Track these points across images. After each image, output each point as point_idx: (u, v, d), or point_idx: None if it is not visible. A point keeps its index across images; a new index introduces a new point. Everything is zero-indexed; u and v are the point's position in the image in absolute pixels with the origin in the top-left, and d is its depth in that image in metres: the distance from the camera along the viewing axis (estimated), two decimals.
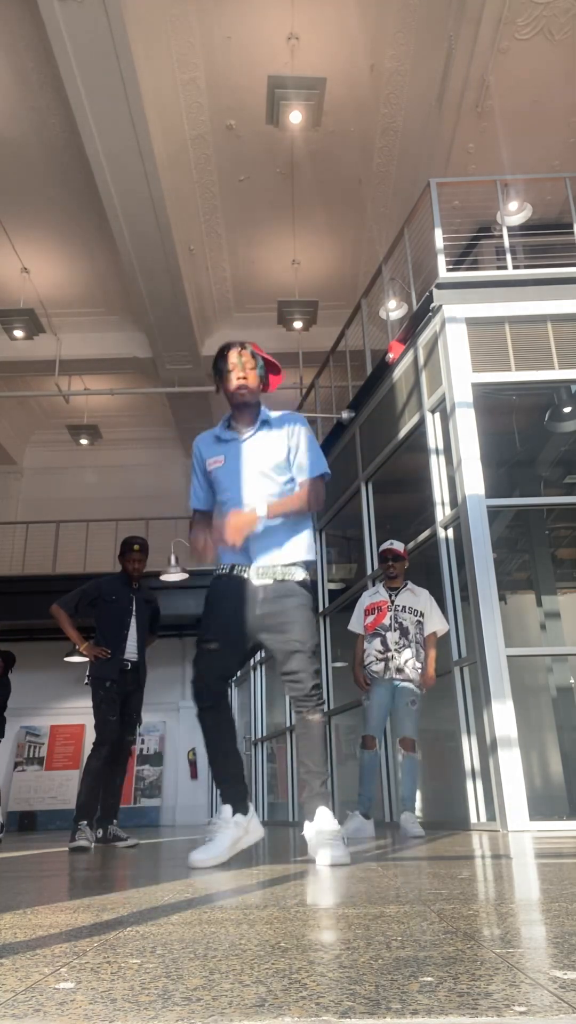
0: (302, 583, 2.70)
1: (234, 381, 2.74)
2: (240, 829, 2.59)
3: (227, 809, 2.61)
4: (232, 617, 2.67)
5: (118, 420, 14.96)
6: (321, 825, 2.50)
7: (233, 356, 2.76)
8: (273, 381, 2.88)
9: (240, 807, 2.63)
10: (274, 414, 2.85)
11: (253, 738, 10.67)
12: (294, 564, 2.71)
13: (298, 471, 2.77)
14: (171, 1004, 0.74)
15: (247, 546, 2.69)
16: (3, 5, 7.48)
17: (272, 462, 2.74)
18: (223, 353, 2.79)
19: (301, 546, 2.75)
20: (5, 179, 9.53)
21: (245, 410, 2.80)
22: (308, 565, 2.76)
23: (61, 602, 4.84)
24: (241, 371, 2.74)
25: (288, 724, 9.05)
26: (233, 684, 12.08)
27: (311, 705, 2.60)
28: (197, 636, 2.75)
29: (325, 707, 2.76)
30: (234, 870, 2.38)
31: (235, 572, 2.71)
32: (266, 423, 2.81)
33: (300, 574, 2.70)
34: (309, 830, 2.54)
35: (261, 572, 2.68)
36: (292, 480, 2.77)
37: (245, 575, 2.70)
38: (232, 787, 2.64)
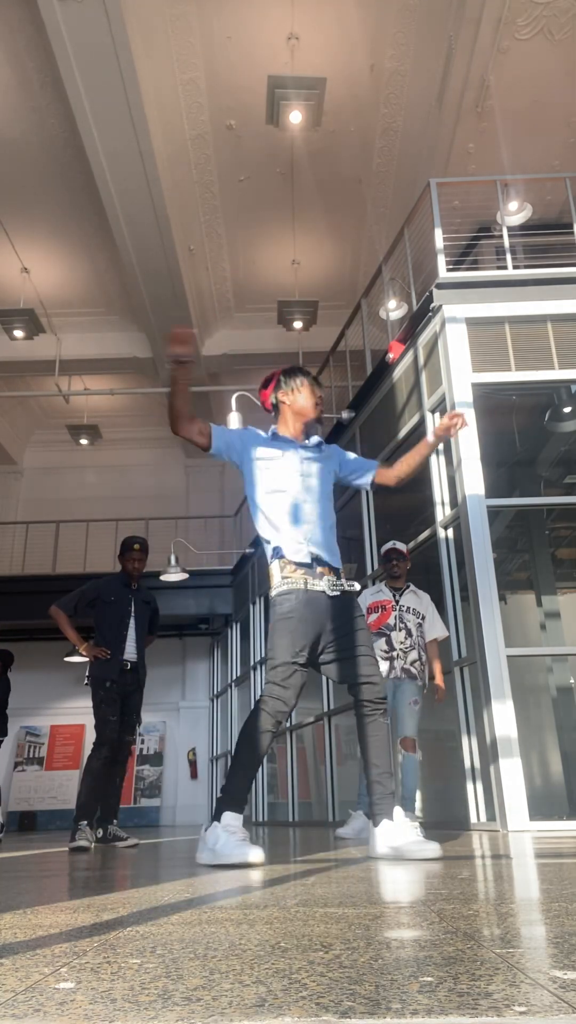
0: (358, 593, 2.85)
1: (318, 399, 2.98)
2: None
3: (240, 817, 2.60)
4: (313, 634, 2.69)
5: (118, 420, 14.96)
6: (402, 824, 2.58)
7: (310, 378, 3.00)
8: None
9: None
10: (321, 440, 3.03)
11: None
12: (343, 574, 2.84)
13: (364, 464, 3.06)
14: (171, 1004, 0.74)
15: (316, 550, 2.77)
16: (3, 5, 7.48)
17: (326, 477, 2.94)
18: (297, 372, 3.01)
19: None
20: (5, 179, 9.53)
21: (310, 427, 3.01)
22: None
23: (60, 603, 4.85)
24: (320, 392, 3.01)
25: (288, 724, 9.05)
26: (233, 684, 12.09)
27: (384, 708, 2.71)
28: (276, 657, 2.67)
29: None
30: (235, 870, 2.38)
31: (308, 586, 2.71)
32: (319, 446, 2.98)
33: (357, 584, 2.82)
34: (387, 830, 2.57)
35: (333, 584, 2.74)
36: (331, 498, 2.96)
37: (318, 587, 2.71)
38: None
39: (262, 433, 2.99)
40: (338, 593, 2.72)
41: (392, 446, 6.69)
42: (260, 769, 2.83)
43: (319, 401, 2.98)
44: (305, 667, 2.68)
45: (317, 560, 2.75)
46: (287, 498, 2.80)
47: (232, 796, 2.58)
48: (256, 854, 2.42)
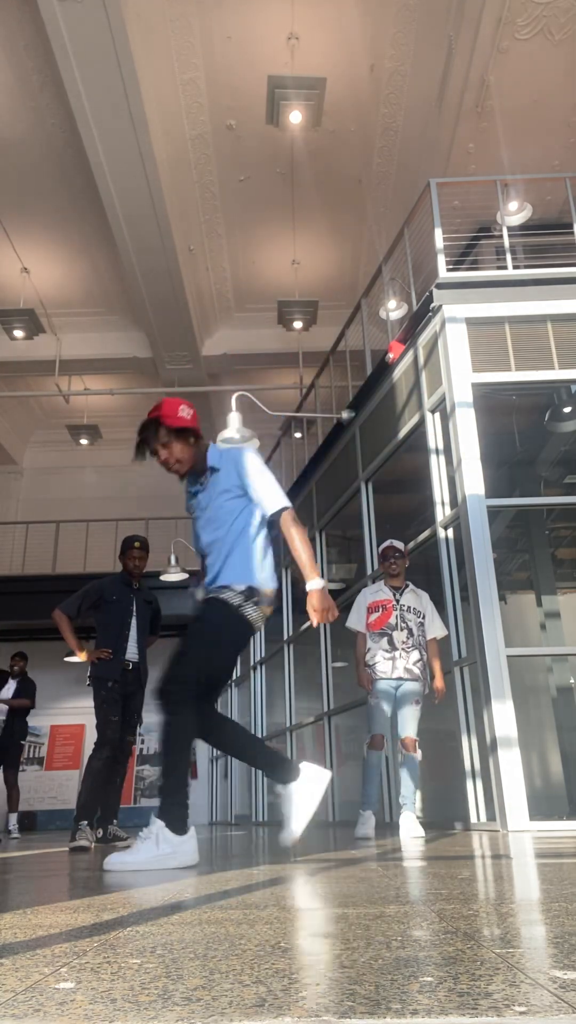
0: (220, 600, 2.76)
1: (163, 466, 2.86)
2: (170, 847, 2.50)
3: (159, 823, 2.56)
4: None
5: (118, 420, 14.95)
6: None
7: (150, 440, 2.82)
8: (183, 434, 2.87)
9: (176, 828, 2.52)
10: (221, 455, 2.91)
11: None
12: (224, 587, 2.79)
13: (262, 508, 2.87)
14: (171, 1004, 0.74)
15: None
16: (3, 5, 7.48)
17: (222, 503, 2.85)
18: (139, 441, 2.86)
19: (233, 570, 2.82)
20: (5, 179, 9.53)
21: (192, 474, 2.93)
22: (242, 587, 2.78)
23: (63, 606, 4.83)
24: (162, 455, 2.82)
25: (288, 724, 9.05)
26: (233, 684, 12.09)
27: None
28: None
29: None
30: (235, 870, 2.38)
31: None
32: (214, 470, 2.90)
33: (224, 593, 2.75)
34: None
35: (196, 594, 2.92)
36: (242, 514, 2.84)
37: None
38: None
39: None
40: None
41: (392, 446, 6.69)
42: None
43: (162, 460, 2.84)
44: None
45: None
46: (202, 549, 2.96)
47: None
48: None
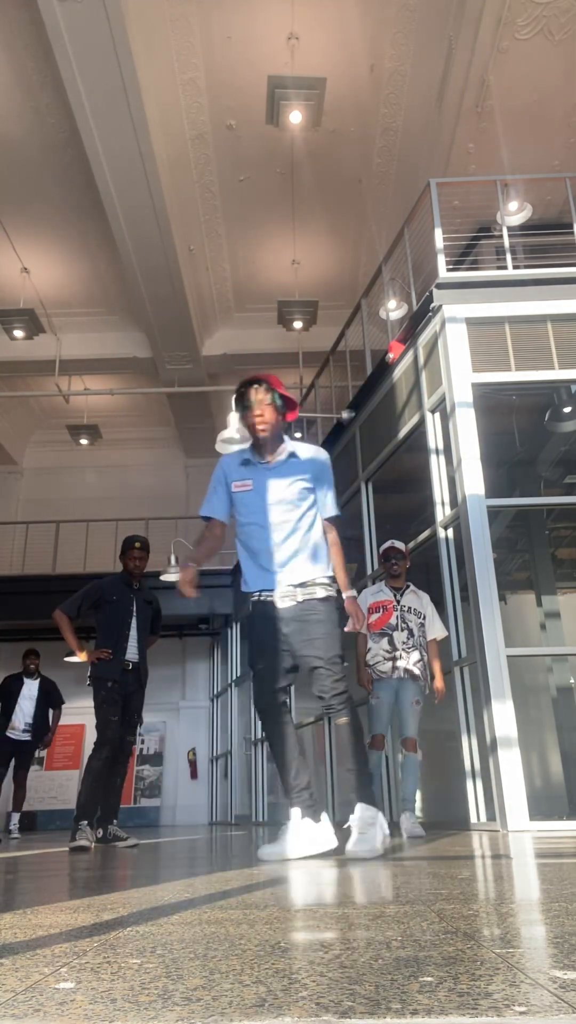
0: (324, 599, 2.93)
1: (251, 418, 2.95)
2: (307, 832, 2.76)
3: (296, 812, 2.81)
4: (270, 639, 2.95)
5: (118, 420, 14.96)
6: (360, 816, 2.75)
7: (251, 394, 2.95)
8: (290, 415, 3.06)
9: (310, 814, 2.80)
10: (301, 446, 3.06)
11: (253, 738, 10.67)
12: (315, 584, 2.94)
13: (322, 508, 3.04)
14: (171, 1004, 0.74)
15: (270, 570, 2.95)
16: (3, 5, 7.48)
17: (295, 492, 2.97)
18: (243, 390, 2.98)
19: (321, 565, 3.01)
20: (5, 179, 9.53)
21: (267, 442, 3.01)
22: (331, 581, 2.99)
23: (64, 606, 4.83)
24: (259, 408, 2.94)
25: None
26: (233, 684, 12.09)
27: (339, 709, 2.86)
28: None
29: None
30: (235, 870, 2.38)
31: (262, 597, 2.97)
32: (293, 454, 3.01)
33: (321, 592, 2.93)
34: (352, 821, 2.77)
35: (283, 595, 2.92)
36: (312, 507, 3.00)
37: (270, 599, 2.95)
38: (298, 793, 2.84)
39: (240, 455, 3.08)
40: (291, 603, 2.91)
41: (392, 446, 6.69)
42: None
43: (257, 415, 2.94)
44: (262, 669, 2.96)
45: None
46: (254, 529, 2.97)
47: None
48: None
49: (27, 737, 7.98)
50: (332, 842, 2.75)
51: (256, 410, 2.93)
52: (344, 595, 3.04)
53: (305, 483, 2.98)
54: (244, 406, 2.97)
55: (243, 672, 11.45)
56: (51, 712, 8.24)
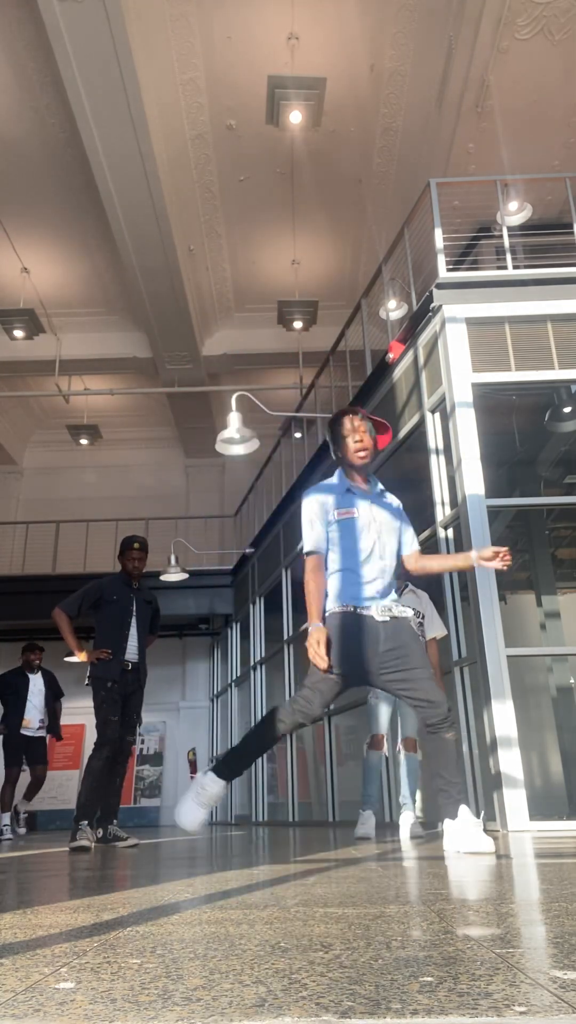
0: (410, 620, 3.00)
1: (353, 446, 3.01)
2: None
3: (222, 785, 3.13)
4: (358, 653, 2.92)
5: (118, 420, 14.96)
6: (465, 821, 2.77)
7: (348, 422, 3.03)
8: (381, 440, 3.12)
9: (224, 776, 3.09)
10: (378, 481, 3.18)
11: None
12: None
13: (411, 539, 3.15)
14: (171, 1004, 0.74)
15: (366, 591, 2.96)
16: (3, 5, 7.48)
17: (394, 522, 3.09)
18: (339, 419, 3.05)
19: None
20: (5, 179, 9.53)
21: (363, 471, 3.09)
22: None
23: (63, 605, 4.82)
24: (358, 435, 3.01)
25: None
26: (233, 684, 12.09)
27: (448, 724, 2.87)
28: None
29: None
30: (235, 870, 2.38)
31: (358, 611, 2.94)
32: (383, 490, 3.13)
33: (410, 612, 3.02)
34: (449, 828, 2.80)
35: (382, 610, 2.91)
36: (398, 539, 3.11)
37: (367, 612, 2.92)
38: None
39: (335, 485, 3.11)
40: (387, 619, 2.89)
41: (392, 446, 6.68)
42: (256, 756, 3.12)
43: (357, 441, 3.00)
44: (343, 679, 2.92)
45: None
46: (364, 554, 2.98)
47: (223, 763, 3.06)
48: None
49: (41, 733, 7.83)
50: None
51: (357, 437, 3.00)
52: (473, 554, 3.11)
53: (397, 514, 3.11)
54: (341, 435, 3.03)
55: (243, 672, 11.45)
56: (58, 704, 8.12)
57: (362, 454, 2.99)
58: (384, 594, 2.92)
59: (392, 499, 3.14)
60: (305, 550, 3.01)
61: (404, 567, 3.11)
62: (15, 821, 7.86)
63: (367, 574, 2.91)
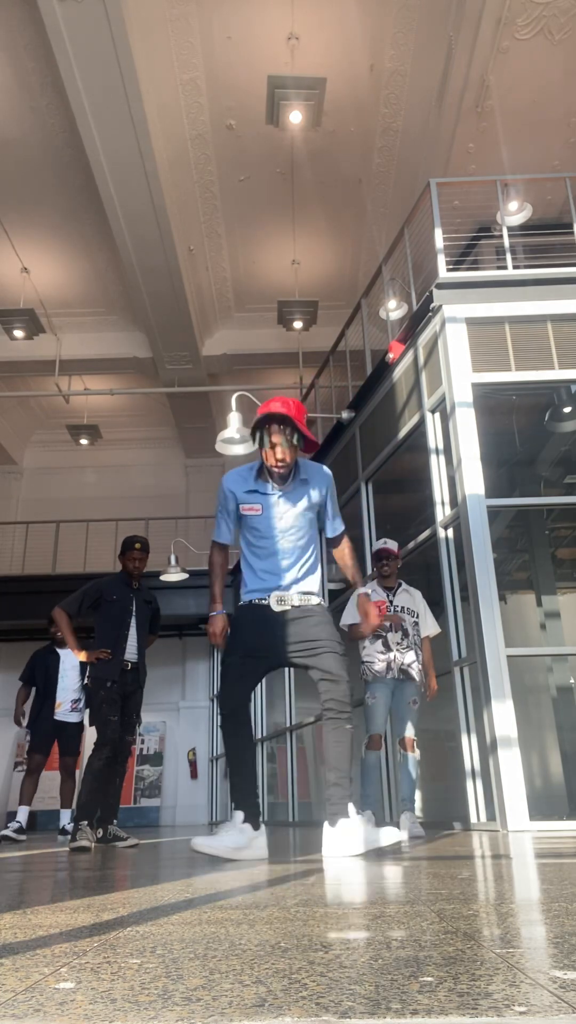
0: (318, 605, 3.07)
1: (272, 460, 2.99)
2: (245, 839, 2.79)
3: (239, 815, 2.84)
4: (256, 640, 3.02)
5: (118, 420, 14.96)
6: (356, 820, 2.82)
7: (272, 434, 2.97)
8: (308, 449, 3.12)
9: (252, 820, 2.85)
10: (308, 466, 3.15)
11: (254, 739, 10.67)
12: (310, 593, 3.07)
13: (331, 525, 3.21)
14: (171, 1004, 0.74)
15: (273, 585, 3.05)
16: (3, 5, 7.48)
17: (305, 514, 3.09)
18: (263, 428, 2.99)
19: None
20: (5, 179, 9.53)
21: (280, 478, 3.09)
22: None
23: (64, 604, 4.82)
24: (279, 452, 2.97)
25: (288, 724, 9.05)
26: None
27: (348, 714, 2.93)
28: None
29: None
30: (234, 870, 2.38)
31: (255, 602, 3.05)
32: (302, 482, 3.10)
33: (316, 600, 3.07)
34: (345, 828, 2.82)
35: (280, 600, 3.01)
36: (313, 529, 3.14)
37: (265, 602, 3.02)
38: (245, 799, 2.90)
39: (245, 477, 3.15)
40: (286, 608, 2.99)
41: (392, 446, 6.69)
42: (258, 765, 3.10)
43: (279, 458, 2.97)
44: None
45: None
46: (266, 552, 3.07)
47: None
48: (211, 845, 2.79)
49: (76, 718, 6.86)
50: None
51: (277, 453, 2.96)
52: (358, 591, 3.23)
53: (312, 506, 3.10)
54: (265, 442, 3.00)
55: None
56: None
57: (280, 469, 3.00)
58: (290, 585, 3.02)
59: (313, 483, 3.10)
60: (212, 537, 3.23)
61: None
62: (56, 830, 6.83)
63: (269, 567, 3.04)
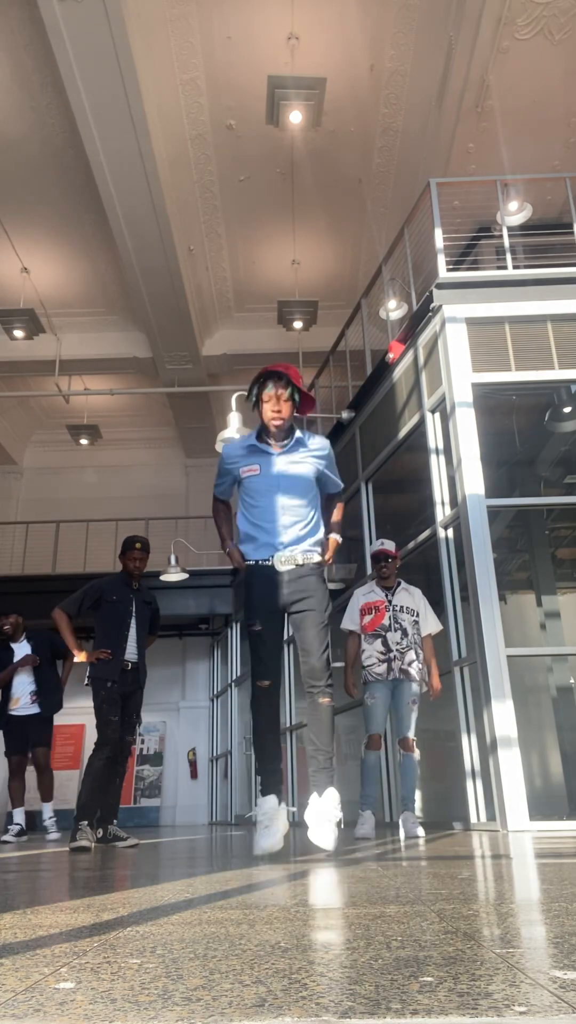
0: (318, 565, 3.16)
1: (269, 413, 3.08)
2: (282, 822, 2.96)
3: (272, 799, 2.96)
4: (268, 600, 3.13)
5: (118, 420, 14.96)
6: (323, 805, 2.91)
7: (270, 388, 3.07)
8: (305, 410, 3.21)
9: (279, 796, 3.01)
10: (308, 435, 3.25)
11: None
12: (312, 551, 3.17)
13: (332, 486, 3.32)
14: (171, 1004, 0.74)
15: (274, 546, 3.14)
16: (3, 5, 7.48)
17: (303, 477, 3.16)
18: (261, 381, 3.10)
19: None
20: (5, 179, 9.53)
21: (277, 434, 3.18)
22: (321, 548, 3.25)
23: (64, 605, 4.82)
24: (276, 404, 3.08)
25: (289, 724, 9.05)
26: (233, 684, 12.08)
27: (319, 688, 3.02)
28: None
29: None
30: (235, 870, 2.38)
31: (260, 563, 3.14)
32: (300, 442, 3.19)
33: (316, 557, 3.15)
34: (314, 803, 2.93)
35: (284, 560, 3.09)
36: (313, 490, 3.21)
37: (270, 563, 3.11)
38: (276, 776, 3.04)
39: (246, 442, 3.27)
40: (290, 567, 3.09)
41: (392, 446, 6.69)
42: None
43: (275, 411, 3.09)
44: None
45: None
46: (262, 511, 3.16)
47: (260, 775, 3.04)
48: (268, 844, 2.85)
49: (35, 709, 6.80)
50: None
51: (274, 405, 3.06)
52: (331, 536, 3.30)
53: (310, 466, 3.16)
54: (260, 398, 3.10)
55: (243, 672, 11.45)
56: (61, 664, 6.95)
57: (277, 422, 3.09)
58: (291, 544, 3.10)
59: (313, 448, 3.21)
60: (214, 492, 3.41)
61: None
62: (25, 826, 6.78)
63: (269, 528, 3.12)
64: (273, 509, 3.11)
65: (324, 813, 2.87)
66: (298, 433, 3.19)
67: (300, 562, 3.08)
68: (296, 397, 3.11)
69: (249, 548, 3.16)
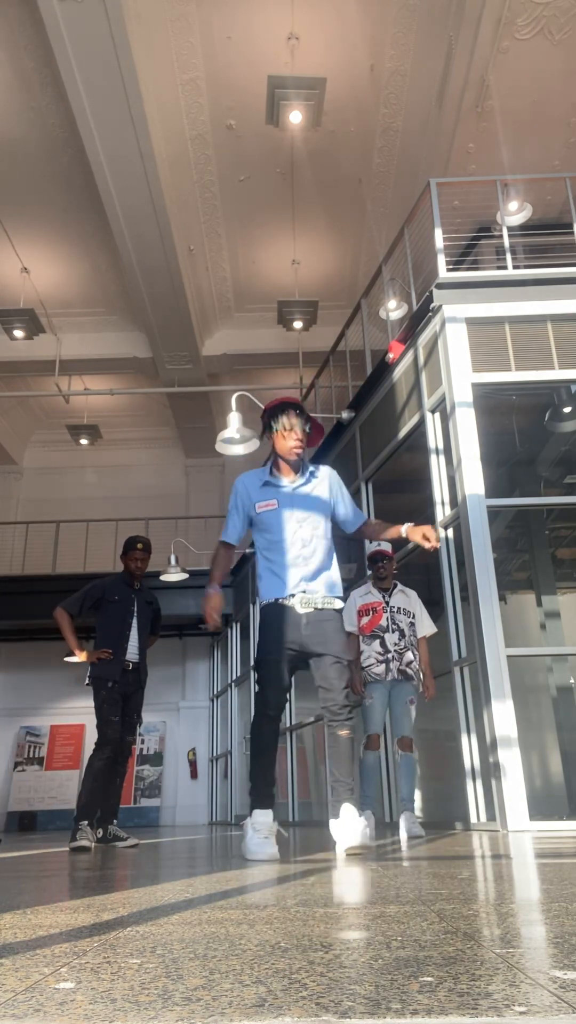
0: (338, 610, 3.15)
1: (291, 443, 3.13)
2: (272, 845, 2.94)
3: (269, 813, 2.97)
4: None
5: (118, 420, 14.96)
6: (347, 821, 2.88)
7: (286, 420, 3.12)
8: (315, 438, 3.27)
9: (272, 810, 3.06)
10: (313, 466, 3.28)
11: None
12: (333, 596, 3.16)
13: (355, 515, 3.34)
14: (171, 1004, 0.74)
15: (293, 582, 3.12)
16: (3, 5, 7.48)
17: (320, 508, 3.19)
18: (276, 415, 3.14)
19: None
20: (5, 179, 9.53)
21: (295, 465, 3.22)
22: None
23: (65, 604, 4.82)
24: (297, 434, 3.13)
25: (288, 724, 9.05)
26: (233, 684, 12.09)
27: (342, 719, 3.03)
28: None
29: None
30: (235, 870, 2.38)
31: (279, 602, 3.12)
32: (312, 474, 3.22)
33: (338, 603, 3.15)
34: (334, 826, 2.92)
35: (305, 603, 3.07)
36: (329, 522, 3.24)
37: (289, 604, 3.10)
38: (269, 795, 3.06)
39: (259, 476, 3.25)
40: (310, 610, 3.06)
41: (392, 446, 6.69)
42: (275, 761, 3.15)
43: (297, 439, 3.12)
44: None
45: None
46: (282, 546, 3.13)
47: (255, 792, 3.02)
48: (270, 852, 2.83)
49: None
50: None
51: (296, 434, 3.11)
52: (404, 527, 3.28)
53: (325, 499, 3.21)
54: (277, 429, 3.13)
55: (243, 672, 11.45)
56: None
57: (298, 451, 3.14)
58: (310, 578, 3.10)
59: (323, 478, 3.24)
60: (220, 537, 3.31)
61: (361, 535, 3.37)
62: None
63: (289, 562, 3.10)
64: (293, 544, 3.12)
65: (354, 826, 2.86)
66: (308, 465, 3.25)
67: (320, 606, 3.07)
68: (307, 428, 3.17)
69: (270, 586, 3.14)
